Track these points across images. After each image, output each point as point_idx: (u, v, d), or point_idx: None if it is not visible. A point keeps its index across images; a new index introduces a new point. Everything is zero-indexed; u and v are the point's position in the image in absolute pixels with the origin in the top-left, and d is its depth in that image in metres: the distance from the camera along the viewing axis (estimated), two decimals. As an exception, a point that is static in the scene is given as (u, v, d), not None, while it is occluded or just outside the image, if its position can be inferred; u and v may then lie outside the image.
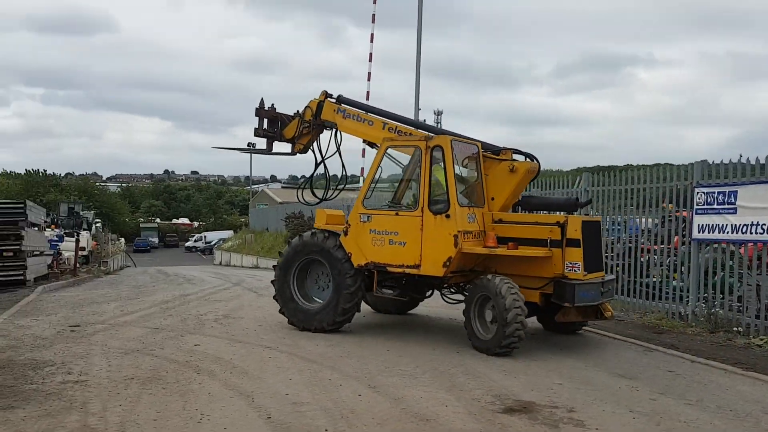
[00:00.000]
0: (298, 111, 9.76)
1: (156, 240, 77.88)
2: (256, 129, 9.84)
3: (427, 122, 21.92)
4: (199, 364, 6.82)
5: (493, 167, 8.60)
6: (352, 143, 9.72)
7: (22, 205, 15.15)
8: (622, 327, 9.88)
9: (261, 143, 10.13)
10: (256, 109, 9.86)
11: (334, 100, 9.44)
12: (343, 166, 9.72)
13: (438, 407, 5.54)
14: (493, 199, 8.52)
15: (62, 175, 74.37)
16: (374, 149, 9.13)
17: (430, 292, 9.42)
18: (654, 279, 11.09)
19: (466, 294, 8.18)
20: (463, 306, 8.08)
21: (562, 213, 8.49)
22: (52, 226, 27.53)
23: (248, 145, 12.34)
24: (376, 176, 8.60)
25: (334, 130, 9.46)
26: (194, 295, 13.09)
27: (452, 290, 8.93)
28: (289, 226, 29.19)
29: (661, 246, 11.04)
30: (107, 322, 9.45)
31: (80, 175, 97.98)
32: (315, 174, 10.09)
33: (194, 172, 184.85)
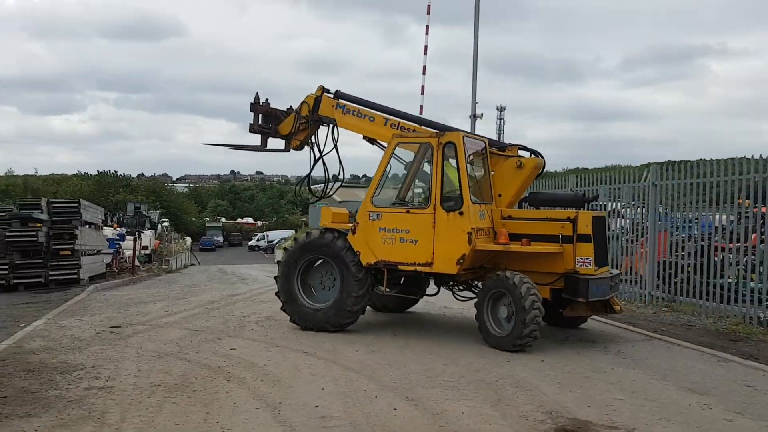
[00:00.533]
0: (291, 107, 9.61)
1: (221, 239, 79.44)
2: (251, 125, 9.64)
3: (483, 115, 21.22)
4: (230, 371, 6.48)
5: (499, 164, 8.56)
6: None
7: (76, 205, 15.36)
8: (693, 333, 9.02)
9: (255, 139, 9.95)
10: (251, 104, 9.70)
11: (331, 95, 9.28)
12: (341, 163, 9.53)
13: (480, 425, 5.00)
14: (500, 195, 8.51)
15: (134, 176, 77.00)
16: (375, 146, 9.01)
17: (437, 290, 9.11)
18: (729, 280, 10.14)
19: (477, 291, 8.23)
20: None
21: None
22: (114, 225, 28.23)
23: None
24: (386, 174, 8.44)
25: (331, 126, 9.27)
26: (242, 295, 12.88)
27: (460, 287, 8.75)
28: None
29: (737, 244, 10.07)
30: (149, 323, 9.28)
31: (151, 176, 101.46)
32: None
33: (259, 173, 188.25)
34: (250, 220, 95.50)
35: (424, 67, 20.41)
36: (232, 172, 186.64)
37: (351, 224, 8.49)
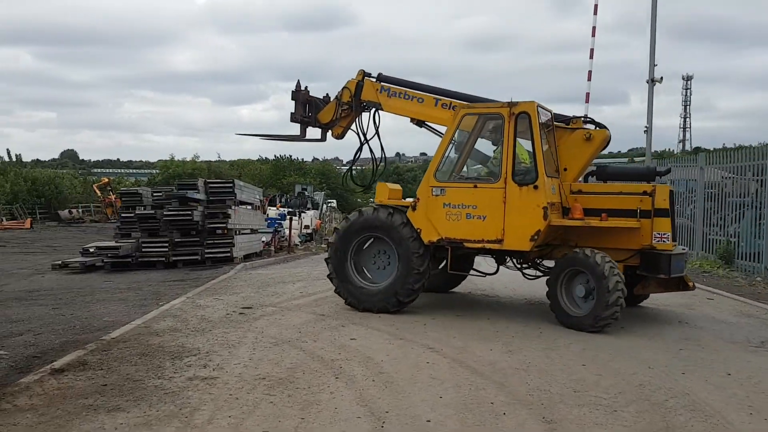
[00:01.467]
0: (327, 94, 9.40)
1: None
2: (292, 114, 9.35)
3: (663, 79, 18.69)
4: (343, 366, 5.76)
5: (564, 137, 8.20)
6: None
7: (230, 185, 15.66)
8: None
9: (295, 129, 9.62)
10: (293, 92, 9.32)
11: (374, 79, 8.92)
12: (383, 148, 9.29)
13: (638, 465, 3.78)
14: (565, 169, 8.12)
15: (308, 160, 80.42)
16: (423, 128, 8.82)
17: (496, 268, 8.63)
18: None
19: (544, 269, 8.18)
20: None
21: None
22: (278, 205, 29.21)
23: None
24: (449, 148, 8.06)
25: (373, 111, 8.98)
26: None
27: (525, 265, 8.33)
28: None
29: None
30: (280, 305, 8.91)
31: (323, 159, 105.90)
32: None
33: (423, 154, 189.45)
34: (411, 200, 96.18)
35: (594, 29, 18.39)
36: (398, 154, 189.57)
37: (410, 200, 8.15)
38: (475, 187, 7.73)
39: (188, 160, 61.71)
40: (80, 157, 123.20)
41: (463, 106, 8.00)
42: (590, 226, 7.41)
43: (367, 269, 8.54)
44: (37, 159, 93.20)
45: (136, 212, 14.79)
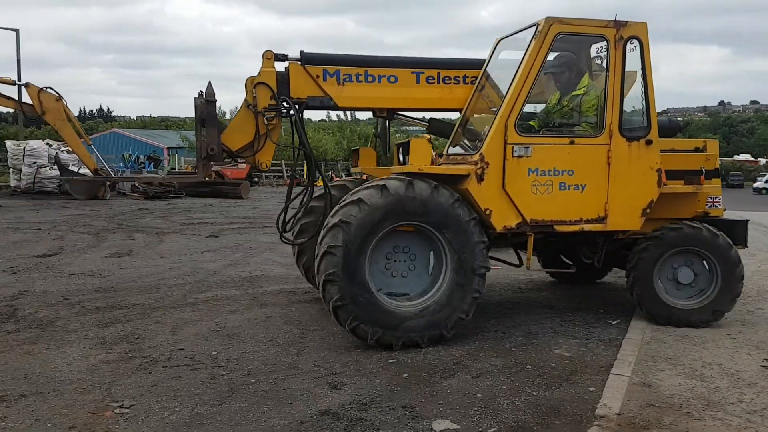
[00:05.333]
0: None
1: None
2: (203, 141, 5.82)
3: None
4: None
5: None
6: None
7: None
8: None
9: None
10: (196, 102, 5.87)
11: (298, 61, 5.93)
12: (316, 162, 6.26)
13: None
14: None
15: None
16: (387, 118, 6.48)
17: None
18: None
19: (607, 248, 6.19)
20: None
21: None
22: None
23: None
24: (536, 83, 5.44)
25: (298, 114, 5.91)
26: None
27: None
28: None
29: None
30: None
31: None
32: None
33: (754, 102, 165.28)
34: (749, 157, 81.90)
35: None
36: (721, 102, 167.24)
37: (472, 166, 5.39)
38: (572, 143, 5.59)
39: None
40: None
41: (554, 20, 5.50)
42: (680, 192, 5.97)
43: (376, 278, 5.48)
44: (369, 118, 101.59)
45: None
